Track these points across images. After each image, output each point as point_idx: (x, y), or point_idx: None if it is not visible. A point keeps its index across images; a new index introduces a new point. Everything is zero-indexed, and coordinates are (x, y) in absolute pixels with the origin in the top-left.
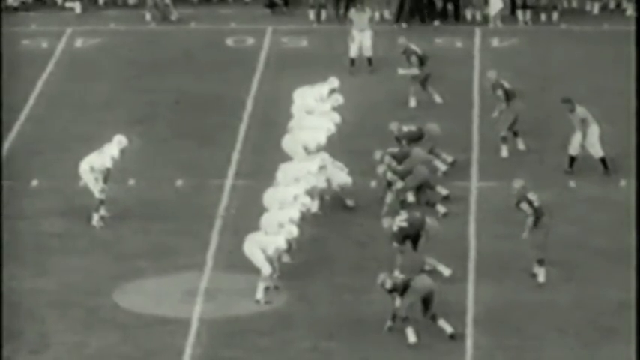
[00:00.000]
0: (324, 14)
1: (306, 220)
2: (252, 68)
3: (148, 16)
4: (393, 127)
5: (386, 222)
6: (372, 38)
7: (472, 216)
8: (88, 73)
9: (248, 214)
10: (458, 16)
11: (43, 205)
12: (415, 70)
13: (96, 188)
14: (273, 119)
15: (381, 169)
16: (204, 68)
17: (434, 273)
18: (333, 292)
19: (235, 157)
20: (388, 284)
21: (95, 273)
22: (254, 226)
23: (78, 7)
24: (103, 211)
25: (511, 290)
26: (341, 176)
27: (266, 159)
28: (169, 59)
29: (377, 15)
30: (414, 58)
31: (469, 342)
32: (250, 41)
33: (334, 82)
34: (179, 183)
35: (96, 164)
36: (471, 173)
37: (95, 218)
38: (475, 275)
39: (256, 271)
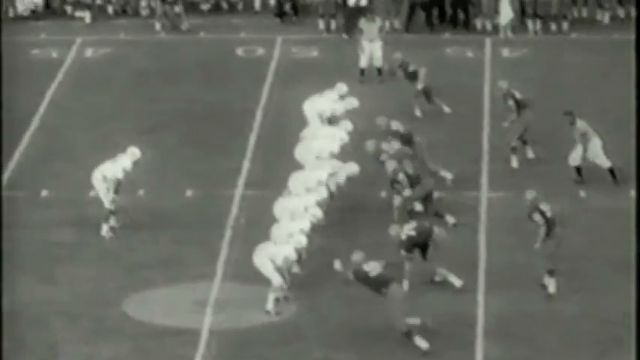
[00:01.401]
0: (333, 24)
1: (316, 230)
2: (261, 78)
3: (157, 26)
4: (381, 121)
5: (393, 230)
6: (382, 48)
7: (482, 226)
8: (98, 83)
9: (258, 225)
10: (468, 25)
11: (53, 215)
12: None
13: (106, 198)
14: (283, 129)
15: (390, 166)
16: (214, 78)
17: (445, 284)
18: (344, 302)
19: (245, 166)
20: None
21: (105, 283)
22: (264, 237)
23: (88, 17)
24: (112, 222)
25: (521, 301)
26: (347, 168)
27: (276, 169)
28: (179, 69)
29: (387, 25)
30: (399, 73)
31: (479, 353)
32: (260, 51)
33: (342, 88)
34: (189, 193)
35: (108, 173)
36: (481, 183)
37: (105, 229)
38: (485, 286)
39: (266, 281)
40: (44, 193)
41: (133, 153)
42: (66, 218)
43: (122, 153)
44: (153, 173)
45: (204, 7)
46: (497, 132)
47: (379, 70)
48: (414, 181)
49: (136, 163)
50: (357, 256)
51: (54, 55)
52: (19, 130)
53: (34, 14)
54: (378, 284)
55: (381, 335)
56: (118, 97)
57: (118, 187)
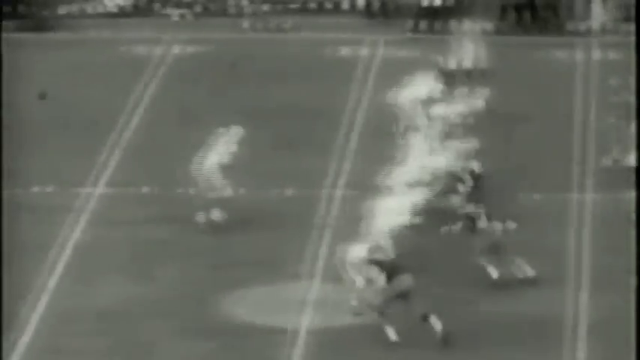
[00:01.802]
0: (422, 24)
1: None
2: (350, 77)
3: (246, 24)
4: None
5: None
6: (473, 50)
7: (586, 228)
8: (186, 81)
9: (355, 225)
10: (560, 28)
11: (148, 211)
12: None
13: (222, 186)
14: (375, 128)
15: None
16: (303, 77)
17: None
18: (435, 302)
19: (340, 166)
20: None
21: (199, 281)
22: (361, 237)
23: (176, 15)
24: (216, 214)
25: (622, 303)
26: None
27: (371, 169)
28: (268, 68)
29: (478, 26)
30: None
31: (581, 356)
32: (349, 50)
33: (432, 85)
34: (286, 192)
35: (214, 161)
36: (585, 183)
37: (203, 220)
38: (588, 287)
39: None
40: (143, 190)
41: (235, 133)
42: (164, 215)
43: (223, 137)
44: (249, 172)
45: (293, 6)
46: (595, 131)
47: (469, 72)
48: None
49: (239, 143)
50: (372, 245)
51: (143, 52)
52: (114, 128)
53: (123, 11)
54: (391, 271)
55: (478, 335)
56: (208, 95)
57: (225, 171)
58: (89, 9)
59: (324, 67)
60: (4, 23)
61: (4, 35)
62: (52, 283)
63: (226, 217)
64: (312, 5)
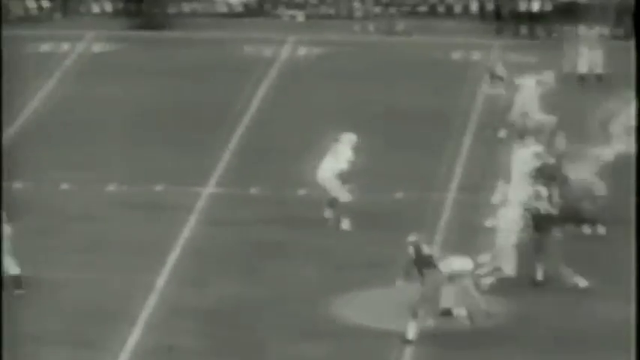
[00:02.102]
0: (536, 28)
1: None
2: (476, 82)
3: (371, 27)
4: None
5: None
6: (602, 55)
7: None
8: (309, 82)
9: (468, 229)
10: None
11: (262, 212)
12: (501, 91)
13: (341, 193)
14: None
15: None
16: (426, 81)
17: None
18: (549, 306)
19: (452, 169)
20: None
21: (310, 283)
22: (473, 242)
23: (300, 16)
24: (328, 216)
25: None
26: None
27: (483, 171)
28: (390, 71)
29: (606, 31)
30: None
31: None
32: (476, 55)
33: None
34: (399, 195)
35: (334, 169)
36: None
37: (345, 223)
38: None
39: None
40: (253, 190)
41: (349, 140)
42: (274, 216)
43: (337, 143)
44: (362, 174)
45: (420, 9)
46: None
47: (599, 77)
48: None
49: (355, 150)
50: (413, 237)
51: (266, 52)
52: (233, 126)
53: (248, 10)
54: (424, 264)
55: (592, 338)
56: (328, 97)
57: (344, 177)
58: (203, 8)
59: (449, 71)
60: (126, 21)
61: (123, 32)
62: (161, 281)
63: (338, 219)
64: (424, 8)
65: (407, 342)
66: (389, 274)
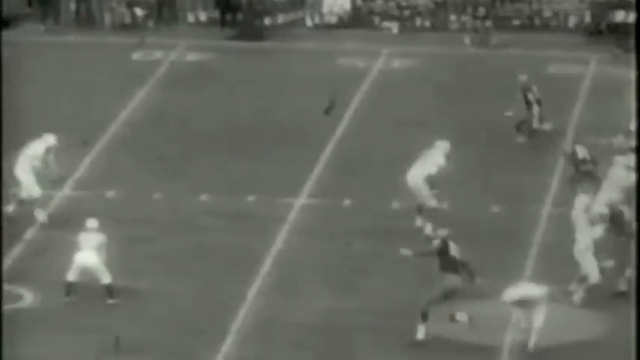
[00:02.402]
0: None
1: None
2: (573, 96)
3: (466, 40)
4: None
5: None
6: None
7: None
8: (403, 95)
9: (561, 243)
10: None
11: (351, 223)
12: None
13: (428, 198)
14: (593, 147)
15: None
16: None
17: None
18: None
19: (548, 184)
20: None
21: (406, 295)
22: (569, 256)
23: (395, 28)
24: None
25: None
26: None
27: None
28: (484, 84)
29: None
30: (531, 96)
31: None
32: (573, 69)
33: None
34: (494, 208)
35: (423, 173)
36: None
37: (430, 228)
38: None
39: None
40: (346, 201)
41: (443, 146)
42: (367, 228)
43: (431, 149)
44: (456, 186)
45: (516, 22)
46: None
47: None
48: None
49: (447, 157)
50: (443, 231)
51: (360, 64)
52: (324, 138)
53: (341, 22)
54: (446, 264)
55: None
56: (421, 109)
57: (433, 183)
58: (297, 20)
59: (545, 85)
60: (221, 31)
61: (217, 42)
62: (252, 292)
63: (431, 232)
64: (519, 22)
65: (417, 344)
66: (483, 288)
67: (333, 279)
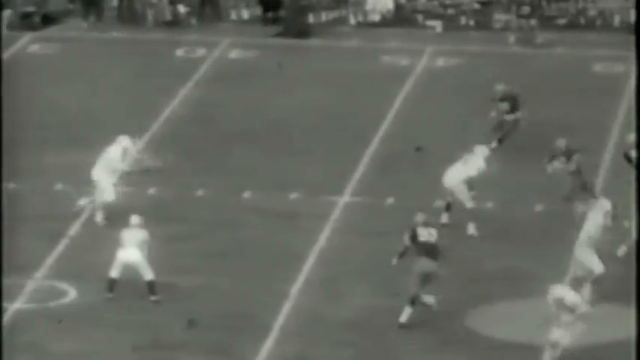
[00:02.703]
0: None
1: None
2: (618, 95)
3: (511, 39)
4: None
5: None
6: None
7: None
8: (446, 93)
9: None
10: None
11: (393, 222)
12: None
13: (466, 198)
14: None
15: None
16: (566, 93)
17: None
18: None
19: (591, 182)
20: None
21: (447, 294)
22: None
23: (439, 26)
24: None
25: None
26: None
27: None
28: (529, 83)
29: None
30: (504, 105)
31: None
32: (618, 68)
33: None
34: (538, 207)
35: (463, 175)
36: None
37: (470, 228)
38: None
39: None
40: (389, 200)
41: (482, 151)
42: (407, 227)
43: (471, 154)
44: (499, 185)
45: (561, 21)
46: None
47: None
48: None
49: (487, 160)
50: (420, 217)
51: (403, 62)
52: (368, 135)
53: (384, 20)
54: (419, 249)
55: None
56: (464, 109)
57: (472, 185)
58: (341, 18)
59: (589, 84)
60: (264, 28)
61: (260, 40)
62: (295, 290)
63: (475, 231)
64: (564, 20)
65: (401, 326)
66: (525, 286)
67: (376, 277)
